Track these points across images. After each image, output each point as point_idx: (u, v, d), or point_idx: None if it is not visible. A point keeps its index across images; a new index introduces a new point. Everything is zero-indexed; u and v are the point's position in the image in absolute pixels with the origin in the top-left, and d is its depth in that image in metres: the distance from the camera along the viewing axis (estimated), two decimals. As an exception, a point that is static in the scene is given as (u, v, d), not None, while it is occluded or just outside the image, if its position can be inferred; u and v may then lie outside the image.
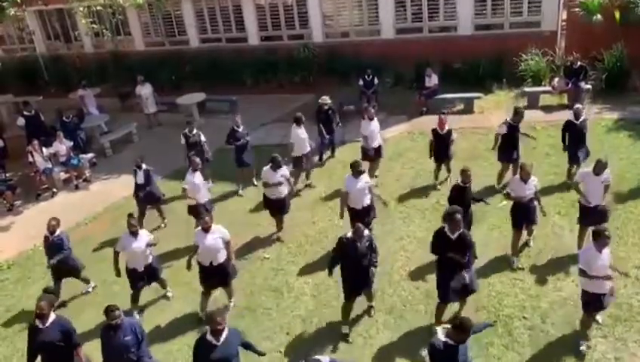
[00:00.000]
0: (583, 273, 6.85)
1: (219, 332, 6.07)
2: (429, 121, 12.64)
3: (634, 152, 11.94)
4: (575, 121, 10.55)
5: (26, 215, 13.08)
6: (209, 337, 6.12)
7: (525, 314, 7.92)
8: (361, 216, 9.02)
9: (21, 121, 15.77)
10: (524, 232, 9.16)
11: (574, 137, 10.69)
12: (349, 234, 7.60)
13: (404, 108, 15.34)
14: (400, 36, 17.66)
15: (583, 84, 14.10)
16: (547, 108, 14.53)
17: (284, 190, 10.16)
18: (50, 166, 13.65)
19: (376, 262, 7.81)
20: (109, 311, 6.71)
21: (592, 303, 7.03)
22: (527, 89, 15.33)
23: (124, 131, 16.30)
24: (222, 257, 8.34)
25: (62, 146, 14.02)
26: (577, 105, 10.86)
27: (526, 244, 9.38)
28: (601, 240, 6.75)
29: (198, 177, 10.26)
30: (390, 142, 13.37)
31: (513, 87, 15.90)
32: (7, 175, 14.20)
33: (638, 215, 9.77)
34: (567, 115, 11.18)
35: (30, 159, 13.50)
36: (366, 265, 7.62)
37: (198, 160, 10.45)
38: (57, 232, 9.22)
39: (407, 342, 7.75)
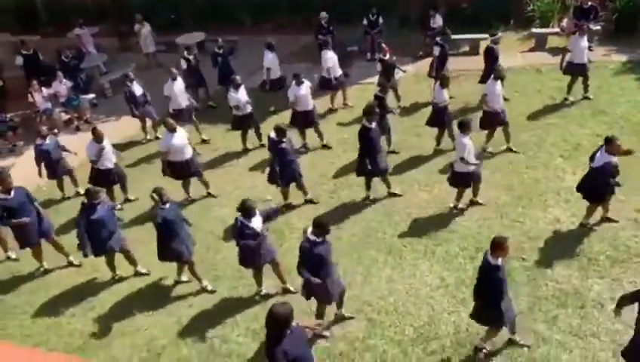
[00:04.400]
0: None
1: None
2: (434, 63, 12.44)
3: (638, 95, 11.78)
4: None
5: (27, 155, 13.04)
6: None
7: (524, 256, 8.04)
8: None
9: (19, 60, 15.54)
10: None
11: None
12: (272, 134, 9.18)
13: (409, 49, 15.04)
14: (406, -26, 17.05)
15: (592, 25, 13.74)
16: (554, 51, 14.22)
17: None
18: (50, 106, 13.54)
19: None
20: (90, 192, 7.97)
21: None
22: (534, 30, 14.97)
23: (124, 71, 16.02)
24: (189, 153, 9.76)
25: (62, 86, 13.85)
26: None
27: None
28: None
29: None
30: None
31: (521, 28, 15.53)
32: (8, 115, 14.08)
33: (636, 160, 9.70)
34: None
35: (30, 99, 13.37)
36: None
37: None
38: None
39: (407, 281, 7.91)
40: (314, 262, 6.50)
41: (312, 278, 6.52)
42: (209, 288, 8.20)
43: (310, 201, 9.83)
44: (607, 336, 6.63)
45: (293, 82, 11.11)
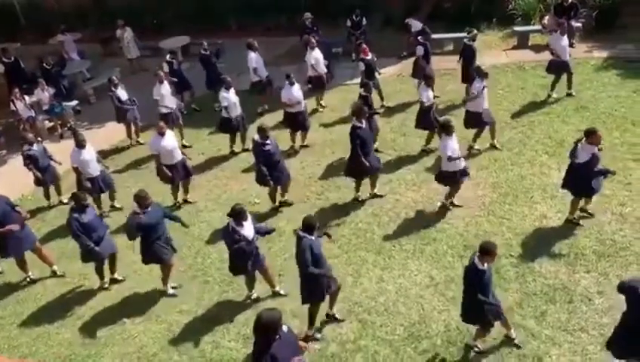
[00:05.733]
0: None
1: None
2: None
3: (622, 90, 11.95)
4: None
5: (10, 164, 12.90)
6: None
7: (512, 252, 8.10)
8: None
9: (0, 68, 15.33)
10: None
11: None
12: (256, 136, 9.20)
13: (393, 49, 15.08)
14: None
15: (573, 22, 13.89)
16: (537, 48, 14.36)
17: None
18: (32, 114, 13.36)
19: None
20: (77, 196, 7.94)
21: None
22: (517, 28, 15.12)
23: (107, 77, 15.88)
24: (179, 155, 9.86)
25: (44, 94, 13.67)
26: None
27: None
28: None
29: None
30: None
31: (503, 26, 15.66)
32: (-10, 124, 13.92)
33: (624, 152, 9.88)
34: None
35: (12, 107, 13.19)
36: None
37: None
38: None
39: (397, 281, 7.92)
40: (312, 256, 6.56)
41: (316, 270, 6.58)
42: (170, 292, 8.24)
43: (285, 203, 9.84)
44: (595, 330, 6.70)
45: (286, 83, 11.10)
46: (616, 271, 7.52)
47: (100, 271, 8.45)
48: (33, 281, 8.93)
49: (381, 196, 9.68)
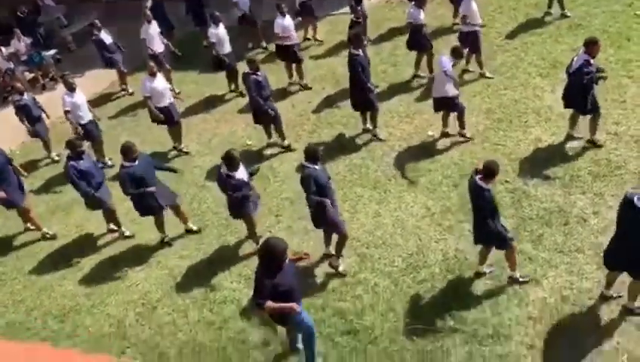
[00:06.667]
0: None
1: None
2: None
3: (616, 4, 11.57)
4: None
5: (-5, 119, 12.64)
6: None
7: (507, 178, 8.07)
8: None
9: (-28, 21, 14.77)
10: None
11: None
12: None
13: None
14: None
15: None
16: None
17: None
18: (11, 66, 12.97)
19: None
20: (72, 143, 7.84)
21: None
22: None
23: (86, 23, 15.32)
24: (169, 99, 9.63)
25: (20, 44, 13.26)
26: None
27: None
28: None
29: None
30: (368, 12, 12.76)
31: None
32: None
33: (618, 69, 9.68)
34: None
35: (-11, 61, 12.81)
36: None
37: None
38: None
39: (393, 214, 7.95)
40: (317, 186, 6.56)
41: (322, 200, 6.56)
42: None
43: (288, 148, 9.63)
44: (591, 250, 6.77)
45: (278, 14, 10.77)
46: (611, 191, 7.52)
47: (110, 218, 8.41)
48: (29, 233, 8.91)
49: (381, 140, 9.42)
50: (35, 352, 6.05)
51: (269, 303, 5.12)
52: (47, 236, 8.81)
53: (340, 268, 7.16)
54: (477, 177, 6.01)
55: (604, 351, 5.72)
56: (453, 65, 8.50)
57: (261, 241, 5.33)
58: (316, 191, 6.58)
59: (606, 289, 6.16)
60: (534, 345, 5.90)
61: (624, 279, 5.96)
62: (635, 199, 5.29)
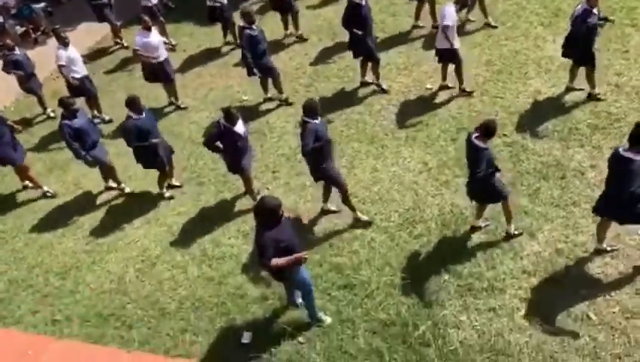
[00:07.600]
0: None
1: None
2: None
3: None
4: None
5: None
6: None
7: (505, 132, 8.00)
8: None
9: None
10: None
11: None
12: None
13: None
14: None
15: None
16: None
17: None
18: (1, 20, 12.67)
19: None
20: (65, 101, 7.73)
21: None
22: None
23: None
24: (163, 55, 9.46)
25: (9, -3, 12.92)
26: None
27: None
28: None
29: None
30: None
31: None
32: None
33: (622, 17, 9.45)
34: None
35: (-22, 15, 12.51)
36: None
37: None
38: None
39: (390, 169, 7.93)
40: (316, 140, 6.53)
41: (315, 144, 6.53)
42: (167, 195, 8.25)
43: (285, 102, 9.51)
44: (587, 204, 6.76)
45: None
46: (609, 144, 7.45)
47: (108, 174, 8.41)
48: (27, 191, 8.94)
49: (385, 91, 9.30)
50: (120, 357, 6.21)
51: (275, 260, 5.20)
52: (48, 194, 8.81)
53: (364, 218, 7.20)
54: (474, 135, 5.95)
55: (597, 302, 5.81)
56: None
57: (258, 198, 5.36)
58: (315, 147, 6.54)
59: (599, 243, 6.21)
60: (528, 298, 5.99)
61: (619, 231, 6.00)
62: (621, 150, 5.40)
